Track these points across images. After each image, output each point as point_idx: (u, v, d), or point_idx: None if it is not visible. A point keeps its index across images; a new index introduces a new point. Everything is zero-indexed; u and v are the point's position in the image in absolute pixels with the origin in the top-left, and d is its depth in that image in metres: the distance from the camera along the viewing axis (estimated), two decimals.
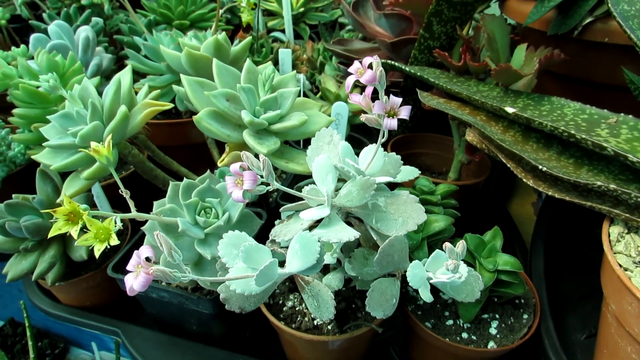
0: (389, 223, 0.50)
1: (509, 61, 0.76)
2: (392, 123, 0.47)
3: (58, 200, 0.74)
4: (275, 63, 1.09)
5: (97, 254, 0.45)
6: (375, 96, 0.47)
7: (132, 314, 0.84)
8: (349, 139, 0.90)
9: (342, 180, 0.52)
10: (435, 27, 0.82)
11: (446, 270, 0.48)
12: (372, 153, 0.52)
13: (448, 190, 0.71)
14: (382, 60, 0.83)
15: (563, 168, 0.59)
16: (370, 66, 0.45)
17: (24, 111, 0.77)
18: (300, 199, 0.52)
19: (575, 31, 0.70)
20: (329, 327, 0.61)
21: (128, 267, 0.39)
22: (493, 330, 0.64)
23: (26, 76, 0.79)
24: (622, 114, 0.59)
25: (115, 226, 0.46)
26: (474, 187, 0.91)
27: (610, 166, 0.58)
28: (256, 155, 0.44)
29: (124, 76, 0.71)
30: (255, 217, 0.70)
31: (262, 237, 0.60)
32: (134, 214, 0.53)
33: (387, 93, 0.47)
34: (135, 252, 0.38)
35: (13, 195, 0.74)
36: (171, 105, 0.70)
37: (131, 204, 0.52)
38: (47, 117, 0.67)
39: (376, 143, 0.51)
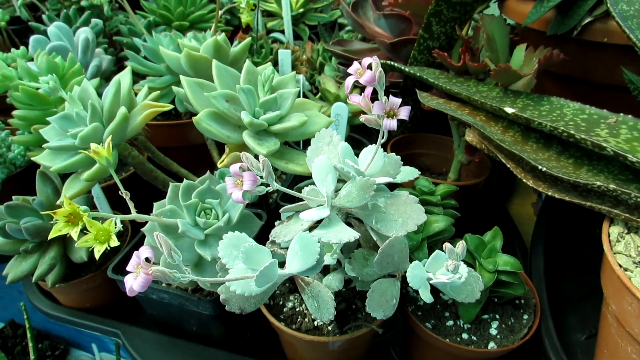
0: (389, 224, 0.50)
1: (508, 61, 0.76)
2: (392, 123, 0.47)
3: (58, 202, 0.74)
4: (275, 64, 1.09)
5: (97, 255, 0.45)
6: (374, 97, 0.47)
7: (133, 315, 0.84)
8: (348, 139, 0.90)
9: (341, 180, 0.52)
10: (434, 27, 0.82)
11: (446, 271, 0.48)
12: (372, 154, 0.52)
13: (448, 190, 0.71)
14: (382, 61, 0.83)
15: (563, 168, 0.59)
16: (369, 67, 0.45)
17: (24, 113, 0.77)
18: (300, 199, 0.52)
19: (575, 31, 0.70)
20: (329, 328, 0.61)
21: (128, 268, 0.39)
22: (493, 331, 0.64)
23: (26, 78, 0.79)
24: (621, 114, 0.59)
25: (115, 227, 0.46)
26: (474, 188, 0.91)
27: (610, 166, 0.58)
28: (256, 156, 0.44)
29: (124, 77, 0.71)
30: (255, 218, 0.70)
31: (262, 238, 0.60)
32: (134, 215, 0.53)
33: (387, 93, 0.47)
34: (135, 252, 0.39)
35: (13, 197, 0.74)
36: (171, 107, 0.70)
37: (131, 205, 0.52)
38: (47, 118, 0.67)
39: (376, 144, 0.51)
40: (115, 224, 0.47)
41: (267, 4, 1.45)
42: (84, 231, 0.45)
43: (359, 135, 1.14)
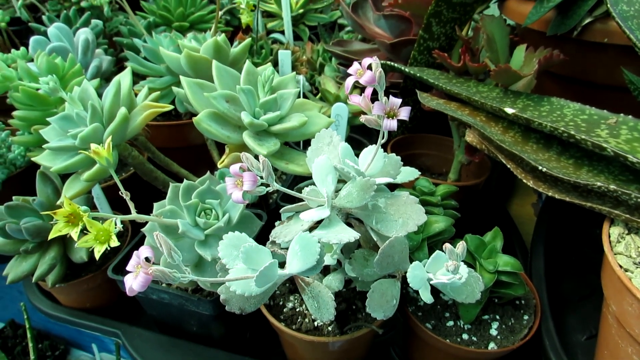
0: (389, 224, 0.50)
1: (508, 62, 0.76)
2: (392, 124, 0.47)
3: (58, 202, 0.74)
4: (275, 64, 1.09)
5: (97, 255, 0.45)
6: (374, 97, 0.47)
7: (133, 315, 0.84)
8: (348, 140, 0.90)
9: (342, 181, 0.52)
10: (434, 28, 0.82)
11: (446, 272, 0.47)
12: (372, 154, 0.52)
13: (448, 191, 0.71)
14: (382, 61, 0.83)
15: (563, 169, 0.59)
16: (369, 67, 0.45)
17: (24, 113, 0.77)
18: (300, 200, 0.52)
19: (575, 32, 0.70)
20: (330, 328, 0.61)
21: (128, 268, 0.39)
22: (493, 331, 0.64)
23: (26, 78, 0.79)
24: (621, 115, 0.59)
25: (116, 228, 0.46)
26: (474, 188, 0.91)
27: (610, 167, 0.58)
28: (256, 157, 0.44)
29: (124, 78, 0.71)
30: (255, 218, 0.70)
31: (262, 238, 0.60)
32: (134, 215, 0.53)
33: (387, 94, 0.47)
34: (135, 252, 0.39)
35: (13, 197, 0.74)
36: (171, 107, 0.70)
37: (131, 205, 0.52)
38: (47, 119, 0.67)
39: (376, 144, 0.51)
40: (116, 224, 0.47)
41: (267, 4, 1.45)
42: (84, 231, 0.46)
43: (359, 135, 1.14)
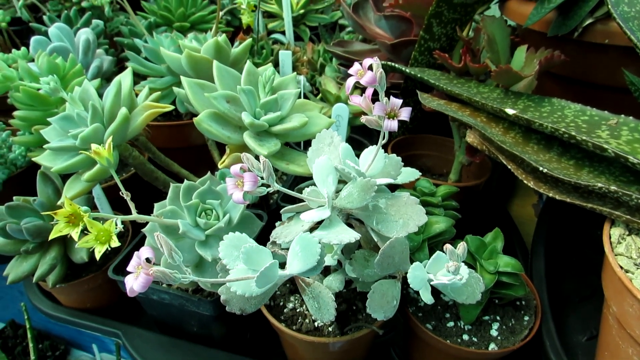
0: (390, 225, 0.50)
1: (509, 62, 0.76)
2: (393, 124, 0.47)
3: (59, 203, 0.74)
4: (276, 65, 1.09)
5: (97, 256, 0.45)
6: (375, 98, 0.47)
7: (133, 315, 0.84)
8: (349, 140, 0.90)
9: (342, 181, 0.52)
10: (435, 28, 0.82)
11: (447, 272, 0.47)
12: (373, 154, 0.52)
13: (449, 191, 0.71)
14: (382, 62, 0.83)
15: (564, 170, 0.59)
16: (370, 68, 0.45)
17: (25, 113, 0.77)
18: (301, 200, 0.52)
19: (576, 32, 0.70)
20: (330, 328, 0.61)
21: (128, 268, 0.39)
22: (494, 332, 0.64)
23: (27, 78, 0.79)
24: (622, 116, 0.59)
25: (116, 228, 0.46)
26: (475, 189, 0.91)
27: (611, 168, 0.58)
28: (257, 157, 0.44)
29: (125, 78, 0.71)
30: (255, 218, 0.70)
31: (262, 238, 0.60)
32: (134, 215, 0.53)
33: (388, 94, 0.47)
34: (136, 253, 0.39)
35: (14, 197, 0.74)
36: (172, 107, 0.70)
37: (132, 205, 0.52)
38: (48, 119, 0.67)
39: (376, 144, 0.51)
40: (116, 225, 0.47)
41: (267, 5, 1.45)
42: (84, 232, 0.46)
43: (360, 136, 1.14)
